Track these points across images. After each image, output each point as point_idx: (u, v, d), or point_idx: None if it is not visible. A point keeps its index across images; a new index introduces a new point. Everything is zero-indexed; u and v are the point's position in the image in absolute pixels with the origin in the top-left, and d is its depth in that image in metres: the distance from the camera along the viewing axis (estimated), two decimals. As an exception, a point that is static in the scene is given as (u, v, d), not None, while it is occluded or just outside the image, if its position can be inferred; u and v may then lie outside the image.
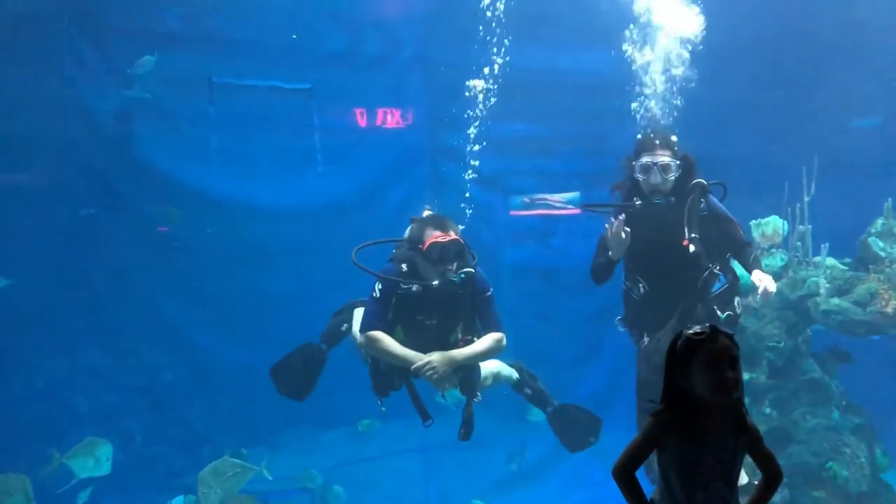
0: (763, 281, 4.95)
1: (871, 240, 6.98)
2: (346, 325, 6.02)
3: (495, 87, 10.46)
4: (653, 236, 5.24)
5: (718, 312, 5.15)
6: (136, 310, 8.65)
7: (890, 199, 7.12)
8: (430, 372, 5.01)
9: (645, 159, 5.17)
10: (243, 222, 8.90)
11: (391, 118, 9.62)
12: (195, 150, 9.33)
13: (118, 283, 8.64)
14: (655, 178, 5.15)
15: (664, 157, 5.14)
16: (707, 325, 2.44)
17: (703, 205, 5.24)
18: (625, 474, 2.48)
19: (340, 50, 9.68)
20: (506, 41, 9.70)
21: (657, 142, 5.21)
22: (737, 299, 5.40)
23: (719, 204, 5.34)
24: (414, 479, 9.76)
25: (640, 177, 5.20)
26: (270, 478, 7.14)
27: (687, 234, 5.11)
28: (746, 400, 6.82)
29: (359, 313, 5.84)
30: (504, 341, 5.26)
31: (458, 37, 7.67)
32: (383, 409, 5.42)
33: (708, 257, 5.23)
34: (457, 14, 7.72)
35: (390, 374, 5.35)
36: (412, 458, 10.07)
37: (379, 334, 5.11)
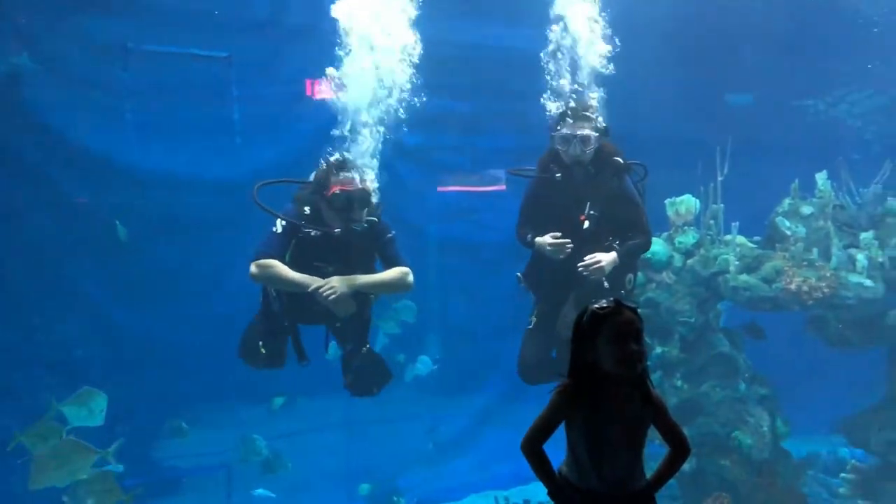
0: (594, 258, 5.24)
1: (778, 219, 7.26)
2: None
3: (422, 60, 10.42)
4: (563, 207, 5.45)
5: (606, 283, 5.31)
6: (45, 283, 8.31)
7: (797, 179, 7.41)
8: (329, 292, 4.92)
9: (565, 131, 5.34)
10: (159, 194, 8.63)
11: (318, 89, 9.43)
12: (109, 119, 8.98)
13: (27, 256, 8.28)
14: (575, 150, 5.33)
15: (584, 130, 5.31)
16: (612, 298, 2.48)
17: (615, 183, 5.39)
18: (532, 448, 2.51)
19: (262, 18, 9.43)
20: (432, 14, 9.67)
21: (577, 114, 5.36)
22: (629, 276, 5.60)
23: (631, 186, 5.51)
24: (337, 454, 9.75)
25: (560, 148, 5.37)
26: (120, 467, 6.44)
27: (586, 210, 5.33)
28: (659, 373, 7.14)
29: None
30: (411, 277, 5.22)
31: (384, 9, 7.55)
32: (263, 350, 5.30)
33: (607, 235, 5.40)
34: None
35: (280, 316, 5.26)
36: (335, 434, 10.07)
37: (272, 261, 4.97)
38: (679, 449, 2.61)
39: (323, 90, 9.14)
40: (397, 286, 5.25)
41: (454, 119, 10.79)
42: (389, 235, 5.27)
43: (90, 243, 8.57)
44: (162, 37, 8.99)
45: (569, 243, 5.35)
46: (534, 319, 5.75)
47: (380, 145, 5.69)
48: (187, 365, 8.42)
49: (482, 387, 11.10)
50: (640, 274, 7.26)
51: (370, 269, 5.28)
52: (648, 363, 2.56)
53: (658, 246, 7.28)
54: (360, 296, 5.17)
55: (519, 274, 5.79)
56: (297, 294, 5.11)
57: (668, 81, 10.26)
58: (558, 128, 5.40)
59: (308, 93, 9.44)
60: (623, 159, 5.46)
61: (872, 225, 7.19)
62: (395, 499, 8.52)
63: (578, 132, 5.31)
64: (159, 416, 8.59)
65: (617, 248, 5.42)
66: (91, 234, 8.57)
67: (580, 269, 5.30)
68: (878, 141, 11.15)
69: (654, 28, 9.25)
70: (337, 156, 5.30)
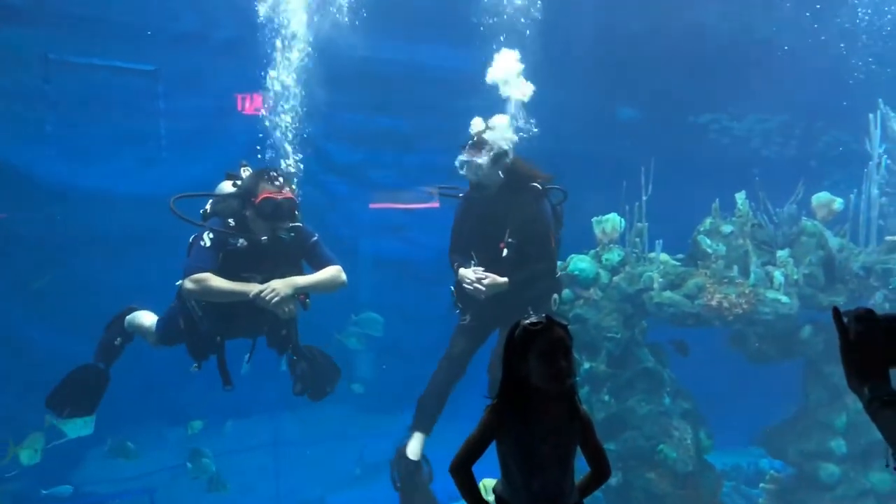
0: (479, 277, 5.49)
1: (699, 237, 7.48)
2: (119, 339, 5.85)
3: (352, 77, 10.43)
4: (485, 228, 5.66)
5: (530, 310, 5.43)
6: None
7: (717, 199, 7.66)
8: (272, 295, 4.94)
9: (461, 157, 5.63)
10: (78, 209, 8.37)
11: (249, 104, 9.33)
12: (29, 132, 8.69)
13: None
14: (470, 175, 5.61)
15: (475, 157, 5.55)
16: (543, 315, 2.52)
17: (531, 207, 5.54)
18: (461, 469, 2.52)
19: (191, 32, 9.30)
20: (366, 32, 9.69)
21: (470, 142, 5.61)
22: (554, 296, 5.79)
23: (546, 210, 5.68)
24: (264, 475, 9.57)
25: (461, 172, 5.63)
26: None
27: (506, 237, 5.53)
28: (587, 388, 7.22)
29: (139, 316, 5.75)
30: (344, 275, 5.33)
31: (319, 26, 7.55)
32: (197, 368, 5.29)
33: (525, 259, 5.58)
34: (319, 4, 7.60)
35: (210, 334, 5.22)
36: (262, 454, 9.89)
37: (207, 274, 4.94)
38: (601, 471, 2.65)
39: (251, 105, 9.07)
40: (333, 284, 5.31)
41: (386, 136, 10.83)
42: (314, 239, 5.35)
43: (7, 258, 8.24)
44: (86, 48, 8.77)
45: (483, 292, 5.51)
46: (468, 318, 5.84)
47: (302, 160, 5.76)
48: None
49: (414, 406, 11.04)
50: (567, 291, 7.41)
51: (295, 274, 5.27)
52: (577, 379, 2.59)
53: (584, 263, 7.42)
54: (296, 298, 5.20)
55: (452, 287, 5.88)
56: (224, 310, 5.04)
57: (591, 102, 10.54)
58: (460, 154, 5.64)
59: (238, 108, 9.33)
60: (541, 183, 5.63)
61: (788, 243, 7.47)
62: (324, 519, 8.39)
63: (470, 159, 5.55)
64: (77, 438, 8.28)
65: (518, 271, 5.60)
66: (9, 249, 8.24)
67: (465, 285, 5.55)
68: (782, 161, 11.62)
69: (575, 49, 9.52)
70: (246, 168, 5.32)
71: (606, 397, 7.14)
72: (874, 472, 7.06)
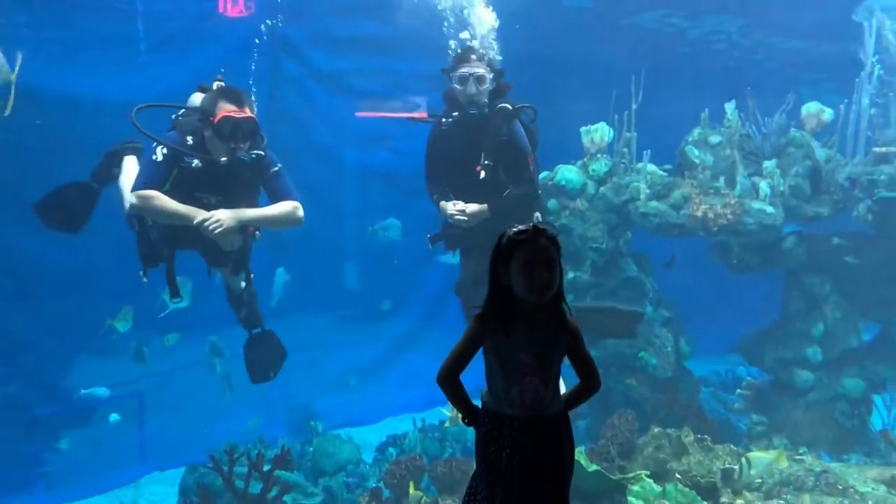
0: (459, 208, 5.50)
1: (687, 148, 7.44)
2: (117, 170, 5.65)
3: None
4: (460, 153, 5.58)
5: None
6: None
7: (707, 109, 7.58)
8: (215, 225, 4.81)
9: (462, 70, 5.44)
10: (60, 114, 8.15)
11: (231, 6, 9.00)
12: (2, 34, 8.37)
13: None
14: (471, 89, 5.45)
15: (479, 69, 5.43)
16: (531, 224, 2.46)
17: (504, 129, 5.46)
18: (448, 378, 2.50)
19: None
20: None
21: (473, 54, 5.47)
22: (536, 214, 5.77)
23: (520, 132, 5.58)
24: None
25: (456, 87, 5.48)
26: None
27: (482, 160, 5.47)
28: (571, 296, 7.31)
29: (130, 163, 5.60)
30: (301, 211, 5.14)
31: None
32: (145, 279, 5.22)
33: (502, 182, 5.55)
34: None
35: (159, 243, 5.14)
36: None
37: (155, 192, 4.80)
38: (589, 382, 2.62)
39: (234, 7, 8.77)
40: (286, 220, 5.13)
41: (369, 42, 10.55)
42: (276, 168, 5.13)
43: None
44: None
45: (466, 222, 5.52)
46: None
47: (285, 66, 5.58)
48: (89, 293, 8.19)
49: (401, 313, 11.20)
50: (553, 201, 7.42)
51: (254, 203, 5.16)
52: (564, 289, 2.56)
53: (572, 174, 7.39)
54: (243, 230, 5.07)
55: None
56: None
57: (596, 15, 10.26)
58: (455, 67, 5.48)
59: (220, 9, 9.02)
60: (512, 104, 5.53)
61: (776, 154, 7.45)
62: (313, 423, 8.61)
63: (474, 71, 5.41)
64: (64, 346, 8.36)
65: (503, 197, 5.58)
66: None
67: (448, 217, 5.53)
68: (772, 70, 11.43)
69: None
70: (220, 82, 5.13)
71: (590, 306, 7.23)
72: (847, 377, 7.27)
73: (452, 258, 6.44)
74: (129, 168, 5.55)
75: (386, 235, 10.14)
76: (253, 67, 7.52)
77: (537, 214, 5.78)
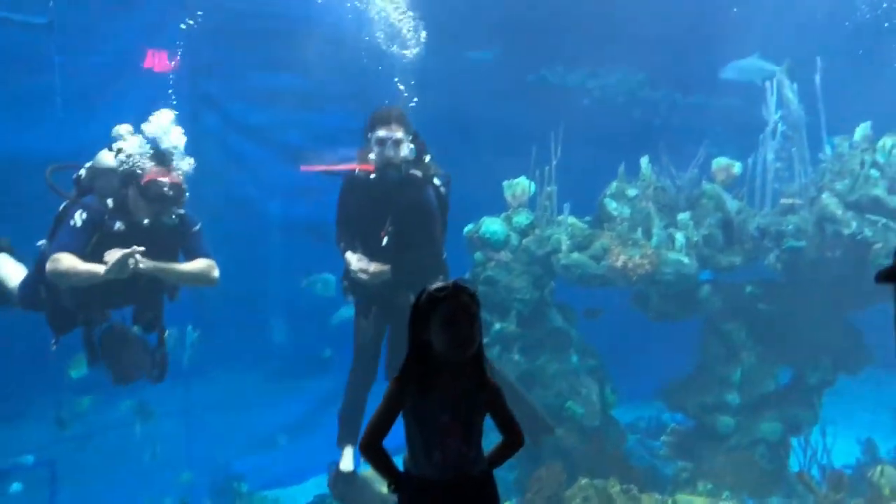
0: (362, 267, 5.52)
1: (606, 200, 7.67)
2: None
3: (262, 36, 10.12)
4: (370, 212, 5.60)
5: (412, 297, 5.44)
6: None
7: (623, 163, 7.85)
8: (124, 255, 4.58)
9: (380, 133, 5.43)
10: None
11: (157, 61, 8.92)
12: None
13: None
14: (388, 152, 5.44)
15: (398, 133, 5.44)
16: (451, 281, 2.48)
17: (415, 194, 5.54)
18: (370, 446, 2.48)
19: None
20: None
21: (392, 117, 5.48)
22: (440, 277, 5.73)
23: (430, 198, 5.65)
24: (176, 442, 9.41)
25: (375, 149, 5.47)
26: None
27: (386, 224, 5.52)
28: (498, 348, 7.34)
29: (4, 266, 5.46)
30: (216, 271, 5.09)
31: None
32: (54, 346, 5.08)
33: (406, 248, 5.57)
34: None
35: (73, 308, 5.00)
36: (174, 421, 9.70)
37: (69, 255, 4.65)
38: (512, 438, 2.63)
39: (154, 61, 8.69)
40: (202, 278, 5.08)
41: (292, 95, 10.58)
42: (196, 228, 5.11)
43: None
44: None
45: (367, 280, 5.51)
46: (362, 322, 5.83)
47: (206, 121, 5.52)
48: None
49: (327, 368, 11.03)
50: (479, 253, 7.51)
51: (172, 260, 5.07)
52: (486, 342, 2.56)
53: (496, 226, 7.51)
54: (154, 283, 4.99)
55: (345, 283, 5.85)
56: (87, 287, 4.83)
57: (495, 68, 10.56)
58: (374, 128, 5.49)
59: (148, 64, 8.92)
60: (426, 170, 5.61)
61: (689, 206, 7.74)
62: (236, 484, 8.33)
63: (392, 135, 5.43)
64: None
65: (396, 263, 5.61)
66: None
67: (351, 272, 5.55)
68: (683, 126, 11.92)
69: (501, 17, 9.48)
70: (131, 138, 5.06)
71: (517, 356, 7.31)
72: (765, 421, 7.50)
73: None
74: (9, 265, 5.44)
75: (321, 289, 10.04)
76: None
77: (441, 277, 5.78)
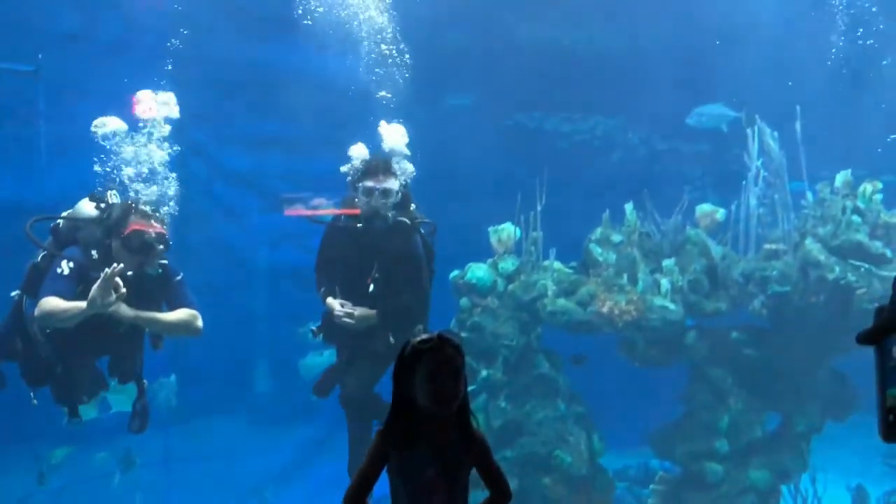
0: (346, 310, 5.50)
1: (591, 246, 7.69)
2: None
3: (249, 84, 10.21)
4: (355, 259, 5.62)
5: (392, 339, 5.43)
6: None
7: (608, 210, 7.90)
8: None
9: (369, 183, 5.46)
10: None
11: (143, 108, 8.94)
12: None
13: None
14: (377, 202, 5.48)
15: (386, 184, 5.47)
16: (435, 333, 2.44)
17: (401, 242, 5.57)
18: (354, 501, 2.42)
19: (74, 31, 8.87)
20: (258, 38, 9.50)
21: (380, 167, 5.52)
22: (419, 327, 5.72)
23: (417, 245, 5.68)
24: (157, 492, 9.21)
25: (362, 198, 5.51)
26: None
27: (373, 271, 5.53)
28: (484, 395, 7.27)
29: None
30: (200, 321, 5.04)
31: (205, 30, 7.35)
32: (35, 401, 5.01)
33: (391, 294, 5.57)
34: (204, 7, 7.39)
35: (51, 358, 4.94)
36: (155, 471, 9.52)
37: (53, 297, 4.59)
38: (499, 493, 2.60)
39: (140, 109, 8.71)
40: (184, 328, 5.03)
41: (282, 143, 10.64)
42: (178, 278, 5.10)
43: None
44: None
45: (353, 324, 5.48)
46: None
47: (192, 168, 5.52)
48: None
49: (312, 416, 10.89)
50: (465, 299, 7.48)
51: (156, 309, 5.04)
52: (472, 389, 2.53)
53: (482, 272, 7.50)
54: (133, 332, 4.96)
55: (313, 328, 5.83)
56: (67, 335, 4.78)
57: (473, 113, 10.70)
58: (362, 178, 5.52)
59: (133, 112, 8.95)
60: (412, 217, 5.65)
61: (674, 251, 7.77)
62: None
63: (381, 185, 5.47)
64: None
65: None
66: None
67: (334, 317, 5.51)
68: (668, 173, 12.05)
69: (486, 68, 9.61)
70: (113, 194, 5.05)
71: (503, 403, 7.23)
72: (753, 469, 7.43)
73: (318, 356, 6.35)
74: None
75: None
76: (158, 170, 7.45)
77: (420, 327, 5.76)
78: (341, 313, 5.51)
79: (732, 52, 10.41)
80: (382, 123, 5.85)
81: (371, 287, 5.52)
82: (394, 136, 5.78)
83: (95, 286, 4.52)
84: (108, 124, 5.09)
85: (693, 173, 11.95)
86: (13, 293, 5.11)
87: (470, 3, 8.23)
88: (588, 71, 10.44)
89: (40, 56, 8.67)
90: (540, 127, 11.99)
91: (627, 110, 11.76)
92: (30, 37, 8.58)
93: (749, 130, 7.76)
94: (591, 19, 10.69)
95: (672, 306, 7.23)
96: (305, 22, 8.03)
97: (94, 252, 4.83)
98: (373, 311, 5.53)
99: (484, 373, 7.19)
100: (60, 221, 5.10)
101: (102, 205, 5.03)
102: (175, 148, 6.32)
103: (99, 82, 8.90)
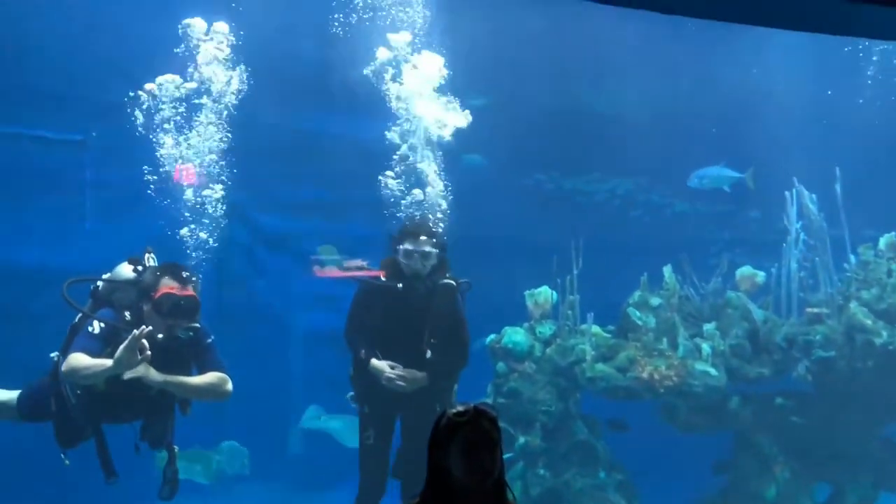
0: (399, 374, 5.43)
1: (629, 310, 7.61)
2: None
3: (287, 149, 10.44)
4: (399, 322, 5.56)
5: (437, 407, 5.30)
6: None
7: (646, 273, 7.84)
8: (131, 339, 4.46)
9: (408, 245, 5.49)
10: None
11: (185, 175, 9.19)
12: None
13: None
14: (416, 265, 5.50)
15: (426, 247, 5.50)
16: (471, 404, 2.42)
17: (447, 304, 5.57)
18: None
19: (120, 101, 9.17)
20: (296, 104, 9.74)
21: (421, 230, 5.57)
22: (455, 387, 5.74)
23: (461, 306, 5.67)
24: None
25: (402, 261, 5.53)
26: None
27: (426, 337, 5.50)
28: (522, 463, 7.16)
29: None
30: (230, 385, 4.97)
31: (246, 99, 7.55)
32: (66, 462, 4.95)
33: (443, 356, 5.54)
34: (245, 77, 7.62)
35: (81, 420, 4.93)
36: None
37: (79, 354, 4.59)
38: None
39: (187, 176, 8.94)
40: (213, 392, 4.98)
41: (317, 207, 10.79)
42: (209, 340, 5.06)
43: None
44: (9, 117, 8.54)
45: (406, 386, 5.43)
46: (371, 434, 5.69)
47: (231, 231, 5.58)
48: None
49: (343, 484, 10.77)
50: (501, 364, 7.42)
51: (186, 373, 5.01)
52: (510, 457, 2.50)
53: (519, 336, 7.45)
54: (164, 397, 4.93)
55: (350, 396, 5.79)
56: (98, 396, 4.78)
57: (514, 180, 10.76)
58: (402, 241, 5.56)
59: (175, 178, 9.19)
60: (454, 279, 5.64)
61: (714, 315, 7.67)
62: None
63: (420, 248, 5.49)
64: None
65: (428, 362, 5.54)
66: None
67: (384, 380, 5.43)
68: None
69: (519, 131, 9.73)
70: (150, 254, 5.12)
71: (542, 471, 7.10)
72: (804, 542, 7.16)
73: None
74: None
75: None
76: (200, 234, 7.59)
77: (455, 388, 5.72)
78: (393, 376, 5.46)
79: (760, 113, 10.41)
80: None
81: (429, 353, 5.47)
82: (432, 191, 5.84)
83: (122, 346, 4.52)
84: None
85: (721, 236, 11.84)
86: (53, 354, 5.17)
87: (485, 66, 8.37)
88: (607, 131, 10.46)
89: (87, 128, 8.97)
90: (559, 187, 12.01)
91: (649, 171, 11.75)
92: (77, 107, 8.87)
93: (787, 193, 7.72)
94: (609, 80, 10.78)
95: (714, 371, 7.10)
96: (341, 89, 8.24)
97: (126, 314, 4.86)
98: (423, 374, 5.48)
99: (521, 440, 7.08)
100: (100, 284, 5.17)
101: (139, 267, 5.09)
102: (220, 212, 6.47)
103: (144, 150, 9.18)
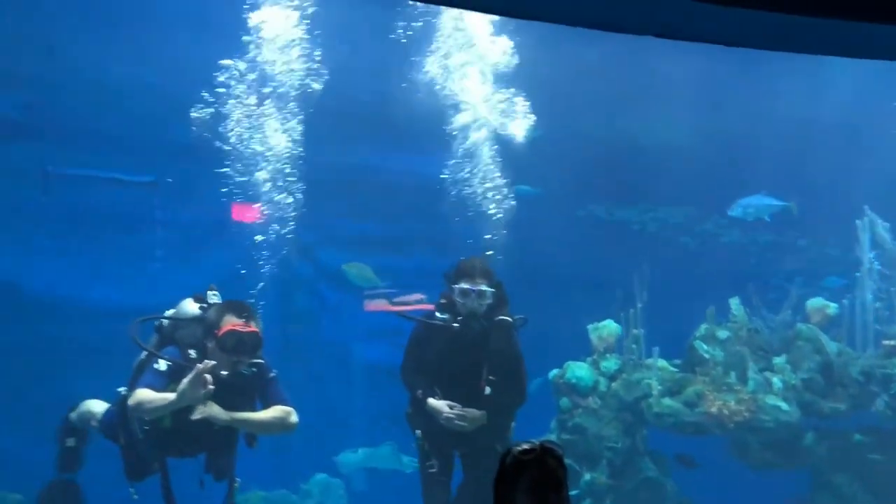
0: (460, 413, 5.34)
1: (696, 343, 7.46)
2: (70, 439, 5.63)
3: (347, 186, 10.64)
4: (457, 361, 5.51)
5: (498, 447, 5.27)
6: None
7: (713, 306, 7.68)
8: (194, 374, 4.58)
9: (464, 285, 5.46)
10: (70, 322, 8.27)
11: (247, 213, 9.42)
12: (25, 245, 8.69)
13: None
14: (472, 304, 5.46)
15: (482, 286, 5.46)
16: (537, 442, 2.40)
17: (504, 341, 5.51)
18: None
19: (188, 142, 9.48)
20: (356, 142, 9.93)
21: (476, 269, 5.52)
22: (512, 425, 5.63)
23: (517, 342, 5.61)
24: None
25: (458, 300, 5.50)
26: None
27: (484, 374, 5.44)
28: (588, 500, 7.02)
29: (88, 405, 5.58)
30: (294, 417, 5.02)
31: (311, 137, 7.73)
32: (135, 496, 5.04)
33: (502, 394, 5.47)
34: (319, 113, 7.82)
35: (148, 455, 5.01)
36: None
37: (145, 389, 4.72)
38: None
39: (249, 214, 9.17)
40: (278, 426, 5.05)
41: (378, 242, 10.93)
42: (272, 375, 5.13)
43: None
44: (84, 160, 8.90)
45: (465, 425, 5.38)
46: (435, 463, 5.63)
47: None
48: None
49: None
50: (565, 399, 7.32)
51: (251, 409, 5.10)
52: (576, 493, 2.47)
53: (583, 371, 7.35)
54: (228, 430, 4.99)
55: (419, 432, 5.68)
56: (163, 430, 4.88)
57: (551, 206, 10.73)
58: (458, 280, 5.54)
59: (234, 216, 9.43)
60: (511, 316, 5.60)
61: (784, 348, 7.45)
62: None
63: (477, 287, 5.46)
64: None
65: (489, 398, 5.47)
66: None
67: (442, 419, 5.38)
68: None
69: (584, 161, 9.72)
70: (214, 291, 5.21)
71: (609, 509, 6.96)
72: (888, 587, 6.83)
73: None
74: (93, 402, 5.60)
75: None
76: (263, 270, 7.74)
77: (513, 426, 5.63)
78: (452, 416, 5.45)
79: (817, 139, 10.17)
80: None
81: (488, 390, 5.43)
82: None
83: (185, 380, 4.63)
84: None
85: (784, 265, 11.56)
86: (120, 389, 5.31)
87: (538, 97, 8.43)
88: (658, 161, 10.37)
89: (156, 162, 9.28)
90: (610, 217, 11.91)
91: (699, 200, 11.56)
92: (149, 149, 9.20)
93: (858, 222, 7.51)
94: (657, 111, 10.69)
95: (786, 406, 6.90)
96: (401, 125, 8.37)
97: (191, 351, 4.96)
98: (481, 412, 5.45)
99: (587, 476, 6.96)
100: (165, 321, 5.31)
101: (204, 304, 5.21)
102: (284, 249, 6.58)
103: (210, 190, 9.45)
